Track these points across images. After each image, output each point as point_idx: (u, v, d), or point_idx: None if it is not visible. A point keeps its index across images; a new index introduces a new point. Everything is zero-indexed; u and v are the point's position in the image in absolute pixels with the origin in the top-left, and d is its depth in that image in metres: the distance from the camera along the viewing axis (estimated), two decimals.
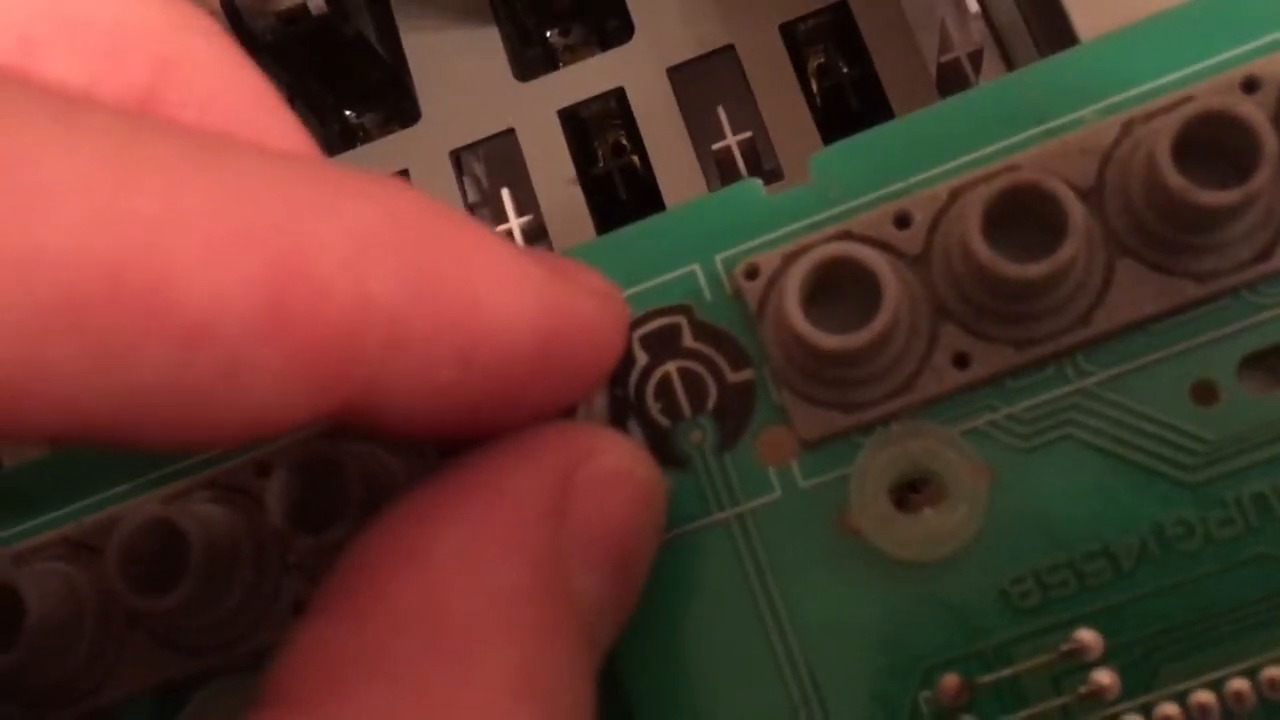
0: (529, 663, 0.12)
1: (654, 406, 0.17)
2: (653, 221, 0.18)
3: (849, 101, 0.24)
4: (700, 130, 0.24)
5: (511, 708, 0.12)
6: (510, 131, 0.24)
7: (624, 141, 0.26)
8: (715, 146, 0.24)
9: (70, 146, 0.10)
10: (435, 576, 0.13)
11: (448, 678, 0.12)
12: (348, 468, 0.16)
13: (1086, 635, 0.15)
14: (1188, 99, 0.16)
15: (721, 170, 0.25)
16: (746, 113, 0.24)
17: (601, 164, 0.25)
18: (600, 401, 0.16)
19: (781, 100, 0.24)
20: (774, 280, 0.17)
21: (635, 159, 0.25)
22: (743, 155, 0.24)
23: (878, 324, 0.15)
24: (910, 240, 0.16)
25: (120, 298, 0.10)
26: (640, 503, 0.15)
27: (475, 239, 0.13)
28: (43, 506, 0.18)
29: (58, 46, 0.13)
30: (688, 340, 0.17)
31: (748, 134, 0.24)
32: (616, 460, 0.15)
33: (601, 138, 0.26)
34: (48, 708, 0.17)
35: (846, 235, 0.16)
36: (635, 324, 0.17)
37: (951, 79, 0.24)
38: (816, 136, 0.23)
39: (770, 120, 0.24)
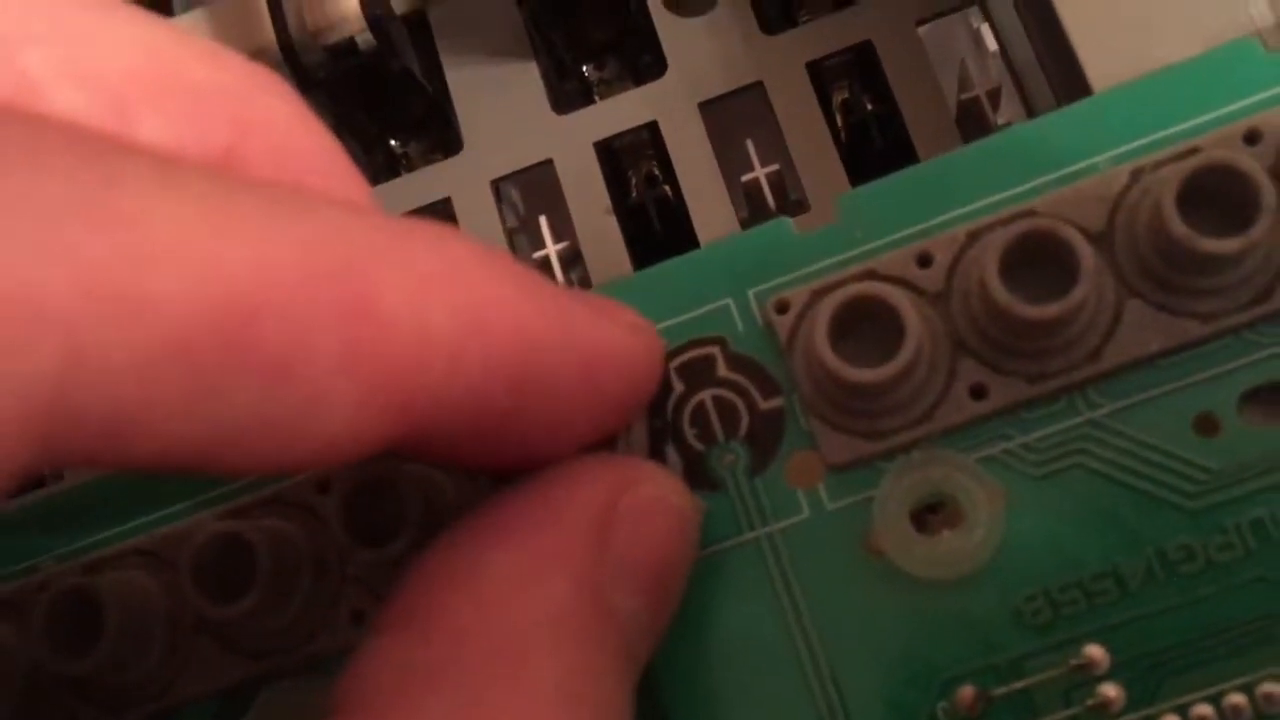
0: (574, 672, 0.14)
1: (690, 432, 0.18)
2: (689, 258, 0.19)
3: (872, 136, 0.25)
4: (730, 163, 0.25)
5: (558, 712, 0.13)
6: (548, 162, 0.26)
7: (656, 172, 0.27)
8: (744, 178, 0.25)
9: (173, 205, 0.12)
10: (490, 595, 0.14)
11: (502, 687, 0.13)
12: (404, 486, 0.17)
13: (1094, 651, 0.16)
14: (1194, 150, 0.17)
15: (750, 201, 0.26)
16: (774, 146, 0.25)
17: (635, 193, 0.27)
18: (639, 433, 0.17)
19: (807, 134, 0.25)
20: (803, 314, 0.18)
21: (667, 189, 0.26)
22: (770, 187, 0.25)
23: (901, 359, 0.16)
24: (931, 279, 0.17)
25: (219, 339, 0.12)
26: (677, 530, 0.16)
27: (523, 280, 0.15)
28: (111, 521, 0.19)
29: (147, 108, 0.14)
30: (722, 370, 0.18)
31: (775, 167, 0.25)
32: (656, 490, 0.16)
33: (635, 168, 0.27)
34: (120, 709, 0.18)
35: (871, 273, 0.17)
36: (672, 354, 0.18)
37: (971, 116, 0.25)
38: (841, 169, 0.24)
39: (797, 153, 0.25)
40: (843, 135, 0.26)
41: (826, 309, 0.16)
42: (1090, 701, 0.16)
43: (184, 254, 0.11)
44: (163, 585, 0.18)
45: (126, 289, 0.11)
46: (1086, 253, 0.16)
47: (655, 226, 0.26)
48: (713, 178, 0.25)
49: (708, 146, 0.25)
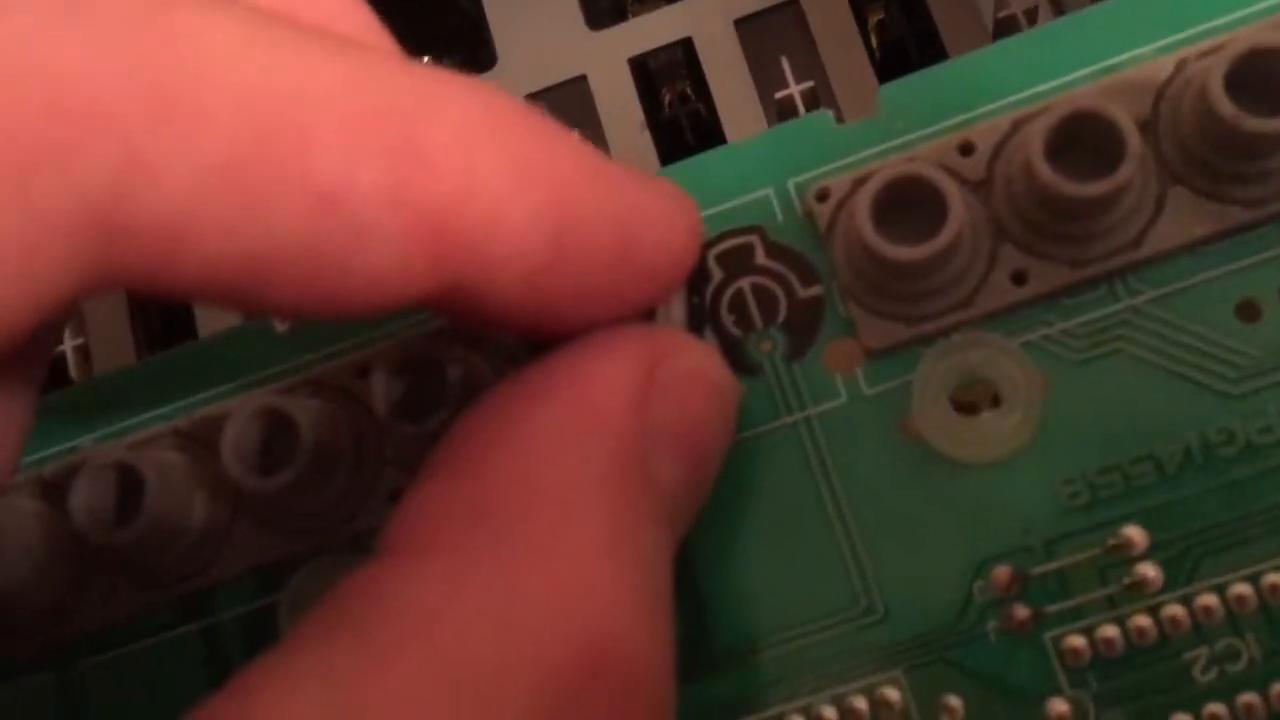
0: (618, 529, 0.14)
1: (728, 319, 0.18)
2: (729, 148, 0.19)
3: (908, 54, 0.25)
4: (764, 80, 0.25)
5: (603, 565, 0.13)
6: (582, 78, 0.26)
7: (689, 91, 0.27)
8: (778, 95, 0.25)
9: (229, 27, 0.12)
10: (532, 447, 0.14)
11: (545, 533, 0.13)
12: (447, 367, 0.17)
13: (1132, 531, 0.16)
14: (1237, 38, 0.17)
15: (784, 118, 0.26)
16: (809, 64, 0.25)
17: (667, 110, 0.27)
18: (678, 309, 0.18)
19: (843, 52, 0.25)
20: (843, 203, 0.18)
21: (701, 107, 0.26)
22: (804, 104, 0.25)
23: (943, 236, 0.16)
24: (973, 167, 0.17)
25: (268, 159, 0.12)
26: (715, 401, 0.16)
27: (566, 139, 0.15)
28: (149, 405, 0.19)
29: None
30: (760, 258, 0.18)
31: (809, 84, 0.25)
32: (695, 360, 0.16)
33: (669, 86, 0.27)
34: (159, 586, 0.18)
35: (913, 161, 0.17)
36: (711, 243, 0.18)
37: (1008, 34, 0.25)
38: (876, 87, 0.24)
39: (832, 71, 0.25)
40: (878, 54, 0.26)
41: (869, 190, 0.16)
42: (1127, 580, 0.16)
43: (239, 72, 0.12)
44: (201, 465, 0.18)
45: (183, 100, 0.11)
46: (1132, 132, 0.16)
47: (689, 141, 0.26)
48: (747, 95, 0.25)
49: (742, 63, 0.25)
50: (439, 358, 0.17)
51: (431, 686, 0.12)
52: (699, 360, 0.16)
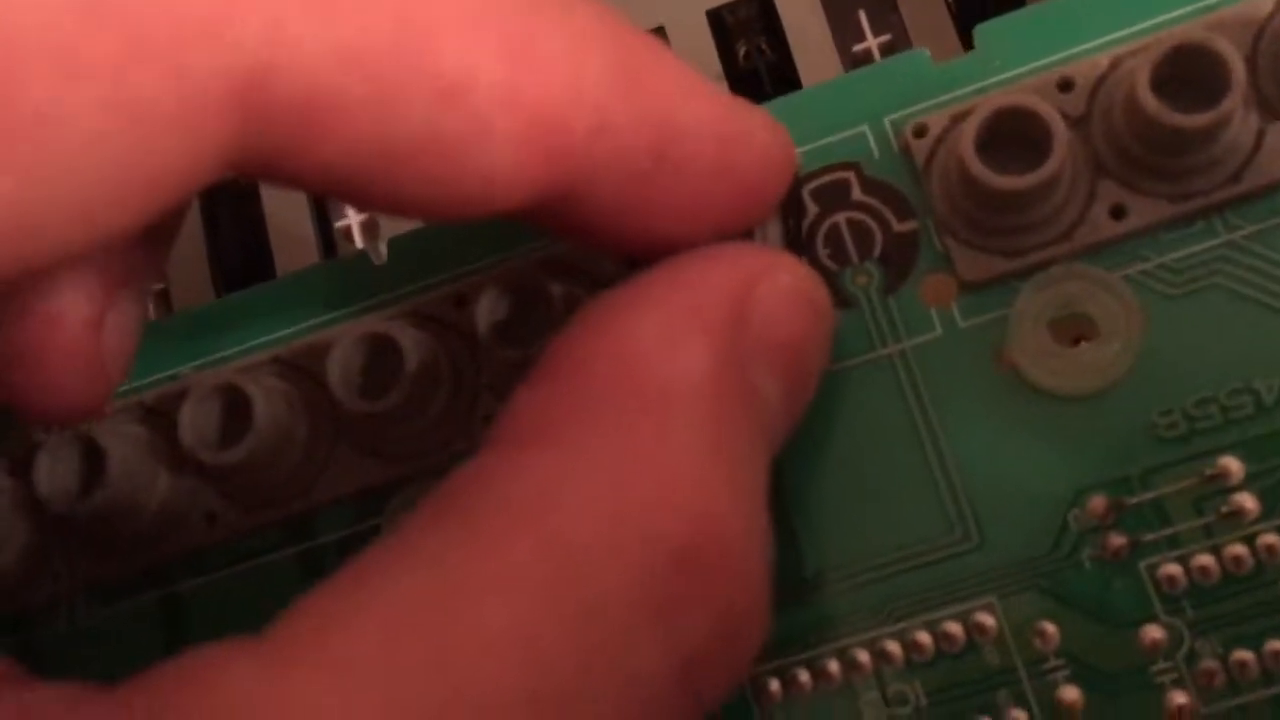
0: (719, 429, 0.14)
1: (823, 252, 0.18)
2: (825, 85, 0.19)
3: (988, 7, 0.25)
4: (842, 33, 0.25)
5: (706, 461, 0.14)
6: (660, 29, 0.26)
7: (764, 47, 0.27)
8: (856, 48, 0.25)
9: None
10: (632, 352, 0.14)
11: (649, 430, 0.14)
12: (550, 289, 0.17)
13: (1229, 462, 0.16)
14: None
15: None
16: (887, 16, 0.25)
17: (744, 63, 0.27)
18: (775, 232, 0.18)
19: (922, 5, 0.25)
20: (942, 138, 0.18)
21: (777, 60, 0.26)
22: (882, 56, 0.25)
23: (1050, 165, 0.16)
24: (1072, 103, 0.17)
25: (398, 52, 0.12)
26: (812, 319, 0.16)
27: (668, 54, 0.15)
28: (250, 334, 0.20)
29: None
30: (856, 194, 0.18)
31: (887, 36, 0.25)
32: (794, 279, 0.16)
33: (746, 39, 0.27)
34: (260, 508, 0.19)
35: None
36: (806, 178, 0.19)
37: None
38: (956, 40, 0.25)
39: (910, 23, 0.25)
40: (955, 8, 0.26)
41: (975, 119, 0.17)
42: (1224, 509, 0.16)
43: None
44: (303, 392, 0.19)
45: None
46: (1237, 62, 0.16)
47: (766, 92, 0.26)
48: (825, 47, 0.25)
49: (820, 15, 0.25)
50: (541, 283, 0.17)
51: (539, 569, 0.12)
52: (798, 278, 0.16)
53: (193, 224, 0.25)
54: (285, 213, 0.24)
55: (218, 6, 0.11)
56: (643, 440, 0.13)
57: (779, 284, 0.16)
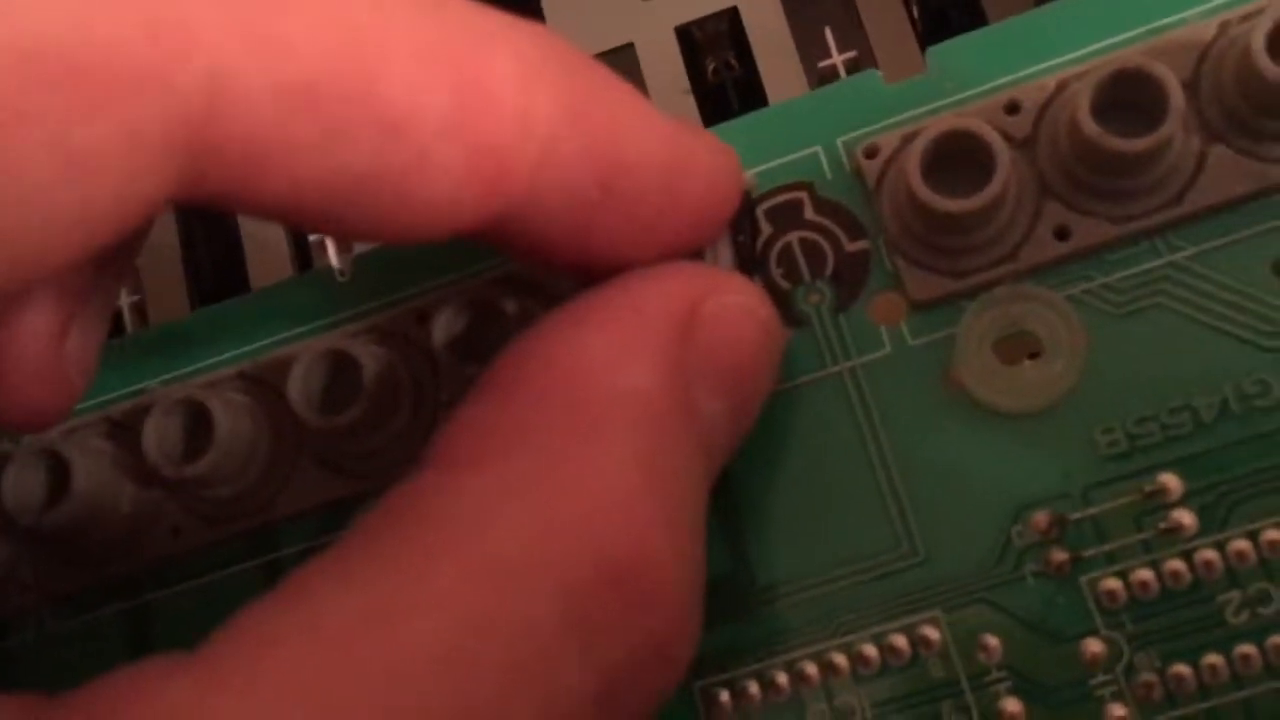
0: (655, 450, 0.14)
1: (776, 272, 0.19)
2: (779, 107, 0.19)
3: (950, 23, 0.26)
4: (808, 49, 0.26)
5: (638, 483, 0.14)
6: (629, 45, 0.26)
7: (732, 62, 0.27)
8: (822, 64, 0.26)
9: None
10: (574, 369, 0.14)
11: (583, 452, 0.14)
12: (504, 306, 0.18)
13: (1168, 479, 0.17)
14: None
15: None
16: (852, 34, 0.26)
17: (712, 78, 0.27)
18: (725, 253, 0.18)
19: (885, 22, 0.25)
20: (892, 159, 0.18)
21: (744, 75, 0.27)
22: (847, 73, 0.26)
23: (992, 187, 0.17)
24: (1019, 125, 0.18)
25: (346, 88, 0.13)
26: (760, 338, 0.16)
27: (616, 84, 0.15)
28: (214, 349, 0.20)
29: None
30: (809, 213, 0.19)
31: (853, 53, 0.26)
32: (740, 298, 0.16)
33: (714, 54, 0.27)
34: (224, 521, 0.19)
35: None
36: (760, 199, 0.19)
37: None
38: (919, 56, 0.25)
39: (875, 40, 0.25)
40: (920, 26, 0.26)
41: (920, 143, 0.17)
42: (1163, 525, 0.16)
43: (316, 6, 0.12)
44: (265, 406, 0.19)
45: (267, 28, 0.12)
46: (1175, 88, 0.16)
47: (733, 107, 0.26)
48: (791, 63, 0.26)
49: (786, 32, 0.26)
50: (496, 300, 0.18)
51: (465, 591, 0.12)
52: (746, 297, 0.16)
53: (169, 236, 0.25)
54: (260, 226, 0.25)
55: (159, 55, 0.11)
56: (576, 463, 0.14)
57: (726, 303, 0.16)
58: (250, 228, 0.25)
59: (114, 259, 0.16)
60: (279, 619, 0.12)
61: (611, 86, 0.15)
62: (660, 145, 0.15)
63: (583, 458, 0.14)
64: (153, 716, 0.11)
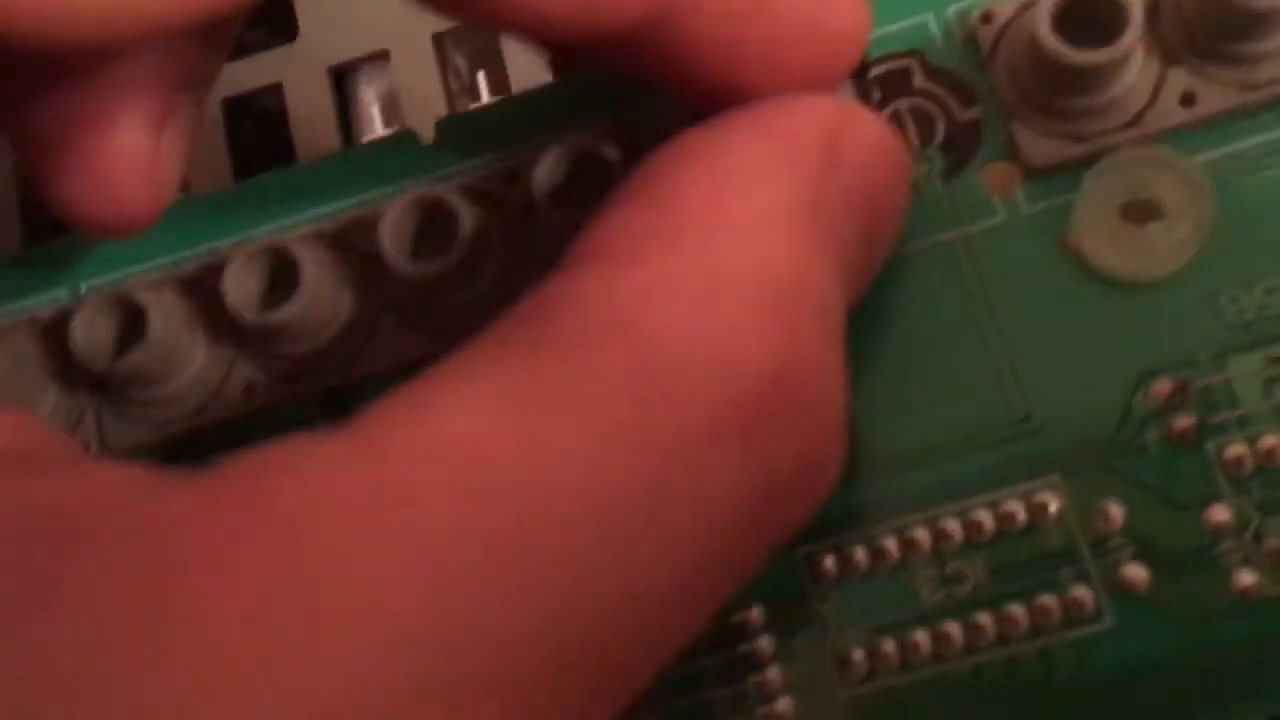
0: (808, 265, 0.14)
1: None
2: None
3: None
4: None
5: (798, 295, 0.13)
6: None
7: None
8: None
9: None
10: (723, 179, 0.14)
11: (734, 257, 0.13)
12: (611, 162, 0.17)
13: None
14: None
15: None
16: None
17: None
18: (849, 96, 0.18)
19: None
20: (1009, 24, 0.18)
21: None
22: None
23: (1126, 39, 0.16)
24: None
25: None
26: (895, 172, 0.16)
27: None
28: (293, 210, 0.19)
29: None
30: (919, 81, 0.18)
31: None
32: (879, 131, 0.16)
33: None
34: (300, 378, 0.18)
35: None
36: (869, 65, 0.18)
37: None
38: None
39: None
40: None
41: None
42: None
43: None
44: (349, 265, 0.18)
45: None
46: None
47: None
48: None
49: None
50: (599, 149, 0.17)
51: (632, 374, 0.12)
52: (881, 131, 0.16)
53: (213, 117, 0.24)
54: (307, 107, 0.24)
55: None
56: (726, 267, 0.13)
57: (865, 133, 0.16)
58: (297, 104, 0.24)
59: (213, 41, 0.15)
60: (437, 394, 0.12)
61: None
62: None
63: (732, 264, 0.13)
64: (313, 489, 0.11)
